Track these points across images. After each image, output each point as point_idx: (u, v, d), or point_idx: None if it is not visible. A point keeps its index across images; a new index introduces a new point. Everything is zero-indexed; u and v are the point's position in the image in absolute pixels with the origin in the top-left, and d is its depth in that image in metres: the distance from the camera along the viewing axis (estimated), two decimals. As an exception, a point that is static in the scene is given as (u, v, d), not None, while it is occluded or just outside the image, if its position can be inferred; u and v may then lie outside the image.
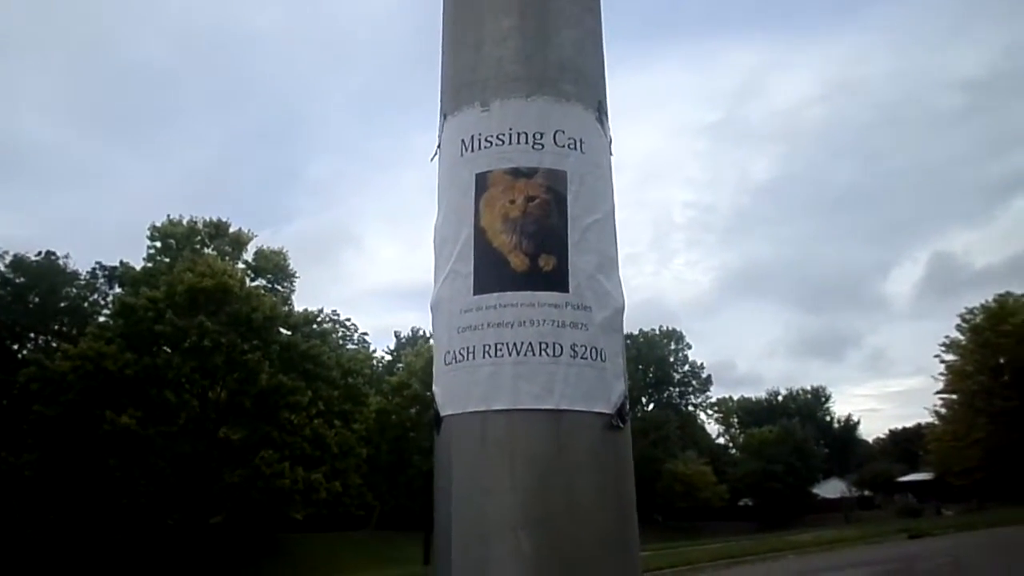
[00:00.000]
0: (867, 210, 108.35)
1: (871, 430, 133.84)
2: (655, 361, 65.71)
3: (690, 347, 68.52)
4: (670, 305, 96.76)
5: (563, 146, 1.67)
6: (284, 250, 37.65)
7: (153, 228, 35.54)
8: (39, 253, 35.35)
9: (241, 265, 35.80)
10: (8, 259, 34.46)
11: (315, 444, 32.18)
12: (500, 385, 1.53)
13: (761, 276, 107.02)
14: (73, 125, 73.61)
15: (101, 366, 28.65)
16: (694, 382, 69.30)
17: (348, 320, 42.08)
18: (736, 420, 76.69)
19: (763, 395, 78.77)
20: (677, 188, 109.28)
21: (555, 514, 1.45)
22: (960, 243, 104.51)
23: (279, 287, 37.04)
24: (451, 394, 1.60)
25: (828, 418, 78.26)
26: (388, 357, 55.77)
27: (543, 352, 1.54)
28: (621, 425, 1.58)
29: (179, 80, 79.54)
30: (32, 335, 35.96)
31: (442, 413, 1.61)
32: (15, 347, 34.95)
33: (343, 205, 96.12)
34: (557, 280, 1.57)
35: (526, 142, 1.66)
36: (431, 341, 1.74)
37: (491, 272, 1.59)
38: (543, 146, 1.66)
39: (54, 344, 33.96)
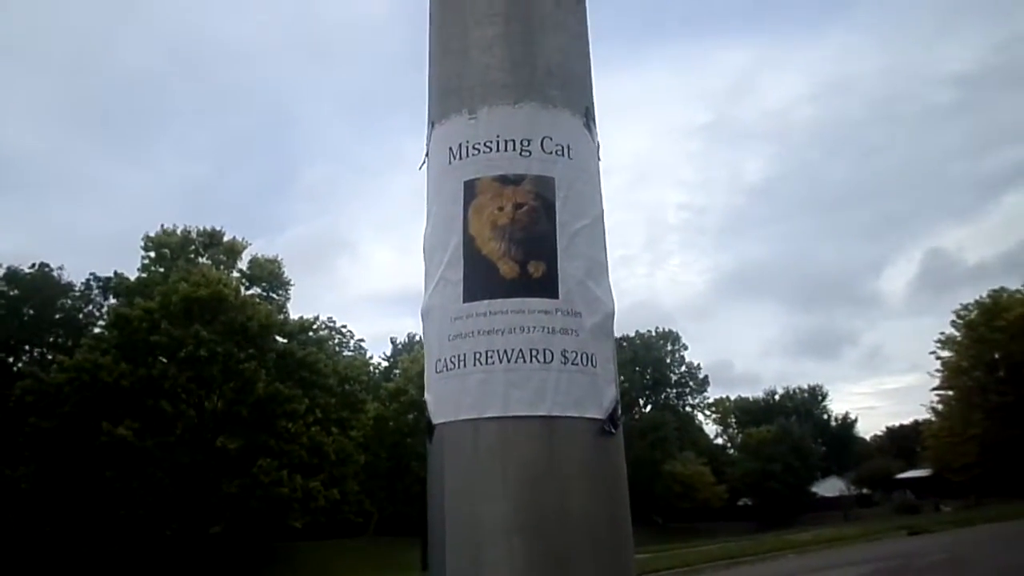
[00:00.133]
0: (860, 208, 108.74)
1: (868, 428, 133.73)
2: (652, 363, 65.76)
3: (686, 348, 68.64)
4: (665, 307, 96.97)
5: (551, 152, 1.67)
6: (279, 258, 37.67)
7: (147, 238, 35.48)
8: (33, 265, 35.27)
9: (236, 274, 35.75)
10: (1, 272, 34.37)
11: (313, 452, 32.11)
12: (491, 392, 1.53)
13: (756, 276, 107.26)
14: (63, 134, 73.51)
15: (97, 377, 28.57)
16: (691, 383, 69.37)
17: (344, 327, 42.12)
18: (734, 420, 76.79)
19: (760, 395, 78.93)
20: (670, 189, 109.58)
21: (548, 520, 1.45)
22: (953, 239, 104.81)
23: (274, 295, 37.00)
24: (443, 402, 1.60)
25: (825, 416, 78.40)
26: (384, 363, 55.73)
27: (534, 359, 1.54)
28: (613, 431, 1.58)
29: (170, 88, 79.45)
30: (27, 348, 35.85)
31: (434, 421, 1.61)
32: (10, 360, 34.85)
33: (336, 212, 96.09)
34: (547, 286, 1.57)
35: (514, 149, 1.66)
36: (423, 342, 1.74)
37: (481, 279, 1.59)
38: (531, 153, 1.66)
39: (49, 356, 33.86)
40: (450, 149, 1.72)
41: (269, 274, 36.70)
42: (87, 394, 28.48)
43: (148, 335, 29.50)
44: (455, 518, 1.50)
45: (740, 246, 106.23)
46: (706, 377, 69.87)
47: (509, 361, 1.53)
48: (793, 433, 63.44)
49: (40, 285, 34.82)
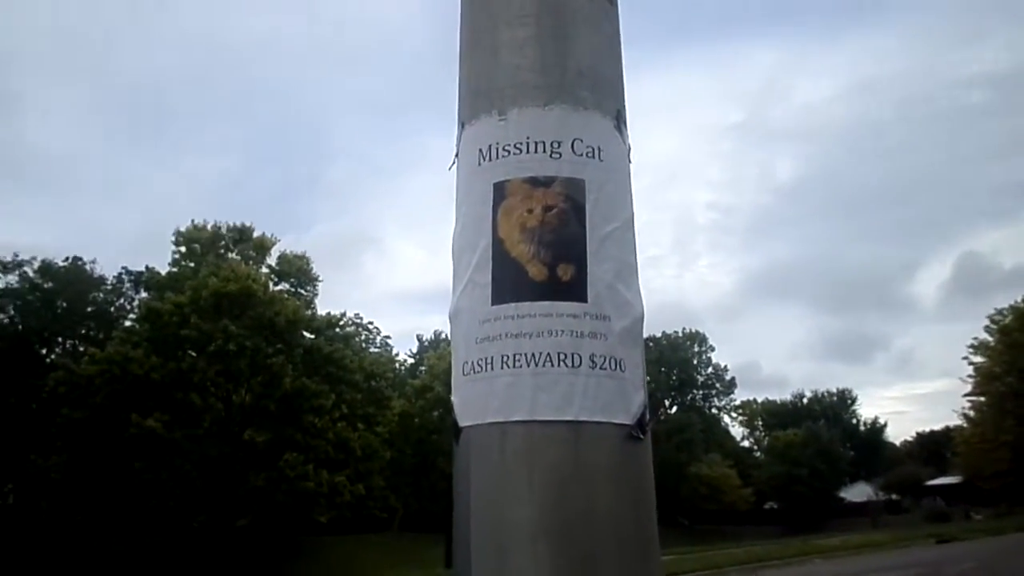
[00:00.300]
0: (892, 209, 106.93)
1: (898, 433, 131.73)
2: (678, 364, 65.36)
3: (713, 349, 68.09)
4: (693, 307, 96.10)
5: (581, 155, 1.66)
6: (307, 254, 37.92)
7: (178, 233, 35.94)
8: (66, 259, 35.90)
9: (265, 269, 36.06)
10: (36, 265, 35.02)
11: (339, 447, 32.31)
12: (519, 396, 1.51)
13: (785, 277, 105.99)
14: (95, 134, 74.43)
15: (127, 370, 28.99)
16: (718, 384, 68.82)
17: (371, 323, 42.18)
18: (760, 423, 76.07)
19: (788, 397, 77.99)
20: (699, 190, 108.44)
21: (574, 526, 1.43)
22: (989, 242, 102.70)
23: (302, 291, 37.26)
24: (470, 405, 1.59)
25: (854, 421, 77.36)
26: (411, 360, 55.96)
27: (562, 363, 1.52)
28: (641, 436, 1.57)
29: (198, 87, 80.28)
30: (60, 340, 36.50)
31: (461, 424, 1.60)
32: (43, 351, 35.50)
33: (363, 209, 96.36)
34: (576, 290, 1.56)
35: (544, 151, 1.65)
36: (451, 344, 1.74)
37: (509, 282, 1.58)
38: (561, 155, 1.65)
39: (81, 348, 34.42)
40: (480, 150, 1.71)
41: (297, 270, 36.98)
42: (118, 386, 28.91)
43: (178, 329, 29.86)
44: (481, 521, 1.49)
45: (769, 247, 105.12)
46: (733, 379, 69.32)
47: (537, 365, 1.52)
48: (821, 437, 62.73)
49: (73, 278, 35.42)
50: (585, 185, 1.64)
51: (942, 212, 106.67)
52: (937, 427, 72.40)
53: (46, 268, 35.14)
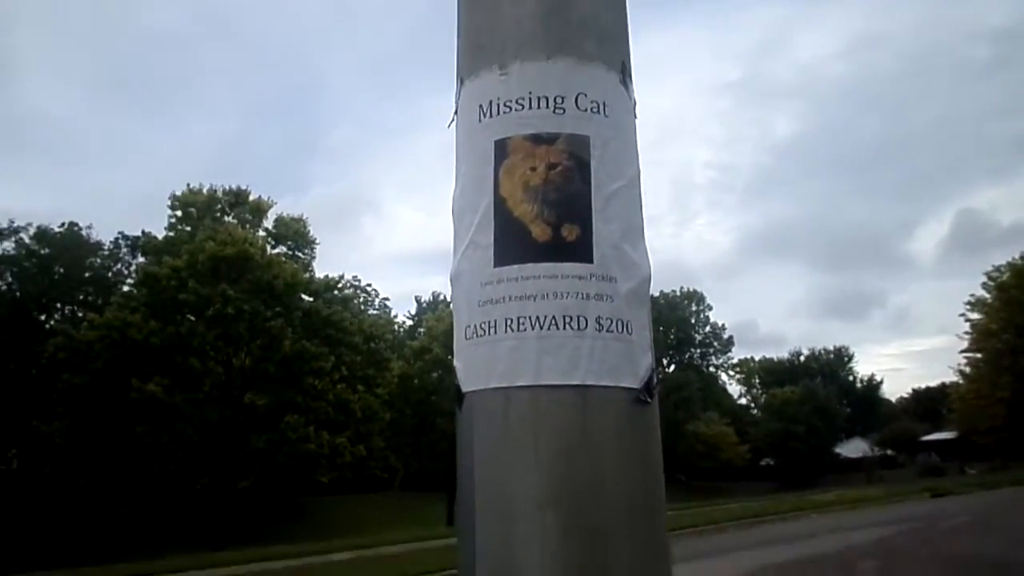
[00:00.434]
0: (891, 167, 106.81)
1: (894, 390, 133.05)
2: (676, 323, 65.63)
3: (711, 308, 68.40)
4: (691, 266, 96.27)
5: (585, 110, 1.59)
6: (304, 217, 37.82)
7: (174, 197, 35.75)
8: (62, 224, 35.78)
9: (262, 233, 35.99)
10: (32, 231, 34.87)
11: (339, 409, 32.56)
12: (523, 360, 1.47)
13: (783, 236, 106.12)
14: (90, 96, 73.72)
15: (127, 335, 29.06)
16: (715, 343, 69.23)
17: (369, 286, 42.32)
18: (758, 381, 76.65)
19: (785, 356, 78.61)
20: (697, 148, 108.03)
21: (581, 492, 1.40)
22: (987, 199, 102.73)
23: (300, 254, 37.23)
24: (472, 369, 1.55)
25: (851, 378, 77.99)
26: (409, 322, 56.16)
27: (567, 326, 1.48)
28: (649, 400, 1.53)
29: (195, 49, 79.32)
30: (58, 306, 36.51)
31: (464, 389, 1.56)
32: (42, 318, 35.53)
33: (361, 171, 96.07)
34: (581, 250, 1.51)
35: (547, 106, 1.58)
36: (451, 307, 1.68)
37: (512, 243, 1.52)
38: (564, 110, 1.58)
39: (80, 314, 34.47)
40: (480, 107, 1.64)
41: (295, 233, 36.89)
42: (117, 351, 29.00)
43: (176, 293, 29.87)
44: (485, 490, 1.46)
45: (767, 205, 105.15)
46: (731, 337, 69.72)
47: (542, 328, 1.48)
48: (818, 394, 63.25)
49: (69, 244, 35.32)
50: (590, 141, 1.58)
51: (940, 169, 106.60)
52: (933, 384, 73.12)
53: (42, 234, 35.02)
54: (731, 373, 74.02)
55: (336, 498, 37.50)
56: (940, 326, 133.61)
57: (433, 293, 58.86)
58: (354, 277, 39.87)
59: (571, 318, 1.48)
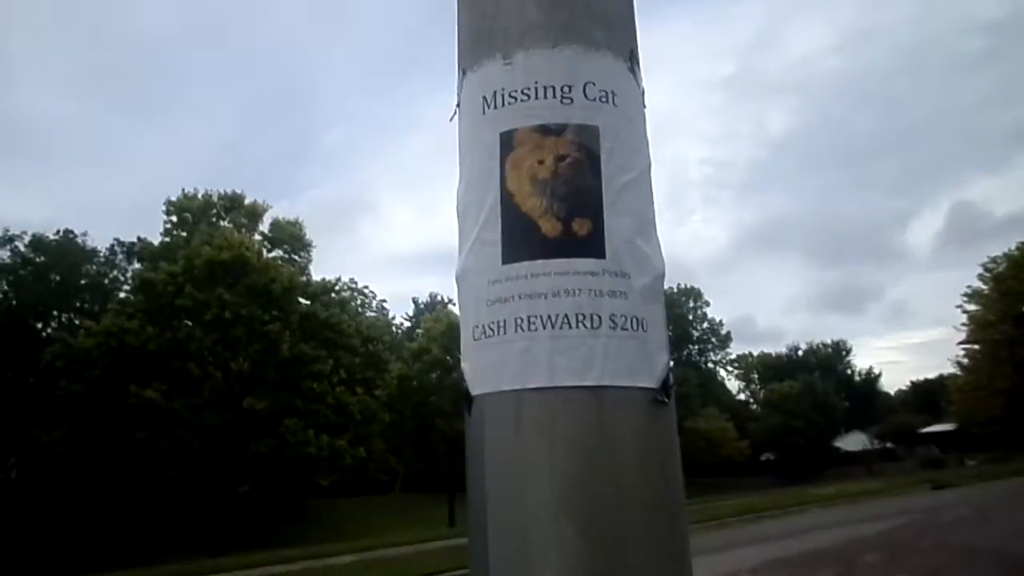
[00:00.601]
0: (886, 160, 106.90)
1: (893, 382, 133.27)
2: (673, 320, 65.52)
3: (708, 304, 68.52)
4: (687, 263, 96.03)
5: (594, 99, 1.53)
6: (300, 220, 37.74)
7: (169, 203, 35.66)
8: (57, 232, 35.68)
9: (258, 237, 35.88)
10: (27, 239, 34.77)
11: (338, 411, 32.49)
12: (535, 361, 1.41)
13: (779, 231, 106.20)
14: (84, 102, 73.52)
15: (124, 341, 28.96)
16: (713, 339, 69.32)
17: (366, 288, 42.21)
18: (756, 376, 76.69)
19: (783, 350, 78.66)
20: (692, 144, 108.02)
21: (598, 498, 1.34)
22: (981, 191, 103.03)
23: (296, 257, 37.15)
24: (482, 372, 1.48)
25: (849, 371, 78.07)
26: (407, 323, 56.08)
27: (580, 324, 1.41)
28: (666, 400, 1.46)
29: (186, 53, 79.08)
30: (55, 313, 36.41)
31: (473, 392, 1.49)
32: (39, 326, 35.42)
33: (356, 173, 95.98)
34: (593, 245, 1.44)
35: (554, 96, 1.52)
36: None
37: (521, 239, 1.46)
38: (572, 100, 1.52)
39: (77, 321, 34.35)
40: (484, 98, 1.57)
41: (291, 236, 36.80)
42: (115, 358, 28.91)
43: (173, 299, 29.78)
44: (498, 497, 1.39)
45: (763, 200, 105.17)
46: (728, 333, 69.84)
47: (554, 327, 1.41)
48: (816, 388, 63.27)
49: (65, 252, 35.22)
50: (599, 132, 1.51)
51: (934, 162, 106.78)
52: (931, 376, 73.12)
53: (38, 242, 34.93)
54: (729, 369, 74.19)
55: (337, 501, 37.45)
56: (937, 318, 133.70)
57: (430, 294, 58.90)
58: (351, 279, 39.80)
59: (584, 316, 1.42)
